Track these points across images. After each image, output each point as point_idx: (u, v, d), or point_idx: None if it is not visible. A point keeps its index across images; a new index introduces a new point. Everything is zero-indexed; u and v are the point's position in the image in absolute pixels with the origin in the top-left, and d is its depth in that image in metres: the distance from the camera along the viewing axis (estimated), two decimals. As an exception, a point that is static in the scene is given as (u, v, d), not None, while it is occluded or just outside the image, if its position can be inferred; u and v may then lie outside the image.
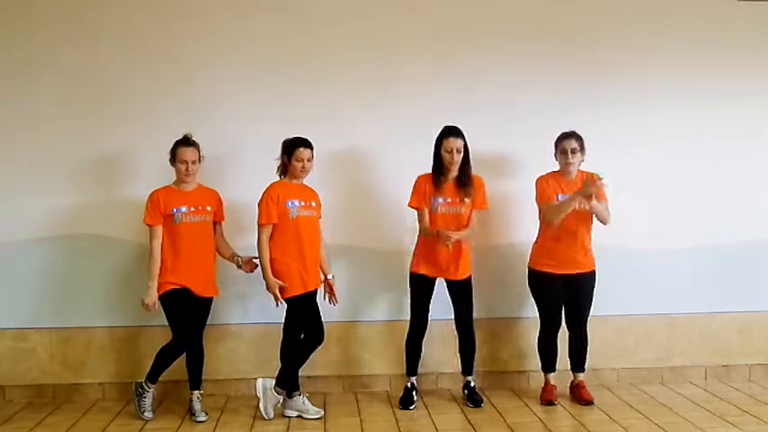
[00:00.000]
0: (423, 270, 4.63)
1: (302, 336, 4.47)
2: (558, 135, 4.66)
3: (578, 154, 4.62)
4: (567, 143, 4.60)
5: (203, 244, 4.49)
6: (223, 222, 4.62)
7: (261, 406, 4.43)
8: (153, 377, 4.49)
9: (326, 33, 4.94)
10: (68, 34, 4.82)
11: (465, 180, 4.57)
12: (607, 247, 4.80)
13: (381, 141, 4.98)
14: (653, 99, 5.13)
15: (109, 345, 4.91)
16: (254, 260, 4.51)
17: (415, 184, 4.63)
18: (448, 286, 4.69)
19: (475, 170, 4.67)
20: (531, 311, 4.88)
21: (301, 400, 4.51)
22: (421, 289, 4.66)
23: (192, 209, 4.44)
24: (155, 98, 4.85)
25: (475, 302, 4.70)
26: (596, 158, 4.83)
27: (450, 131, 4.54)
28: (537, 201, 4.69)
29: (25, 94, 4.81)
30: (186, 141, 4.45)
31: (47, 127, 4.82)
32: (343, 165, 4.95)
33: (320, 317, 4.50)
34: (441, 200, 4.57)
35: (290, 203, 4.39)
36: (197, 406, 4.49)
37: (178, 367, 4.54)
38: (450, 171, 4.57)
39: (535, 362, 4.84)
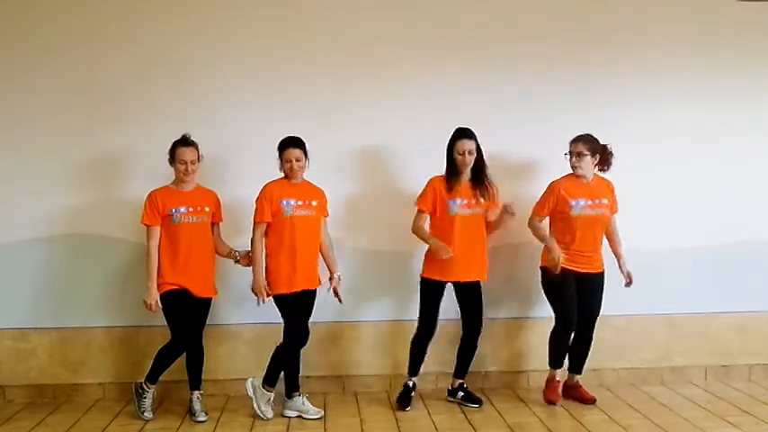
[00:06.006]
0: (434, 274, 4.59)
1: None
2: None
3: (587, 158, 4.58)
4: (574, 146, 4.60)
5: (202, 244, 4.48)
6: (221, 224, 4.62)
7: (255, 405, 4.44)
8: (153, 378, 4.50)
9: (329, 30, 4.93)
10: (66, 34, 4.81)
11: (481, 179, 4.55)
12: (607, 248, 4.79)
13: (386, 140, 4.97)
14: (654, 100, 5.13)
15: (109, 345, 4.91)
16: (250, 254, 4.51)
17: (427, 185, 4.59)
18: (457, 290, 4.66)
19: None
20: (532, 311, 4.89)
21: (301, 400, 4.51)
22: (432, 294, 4.62)
23: (191, 209, 4.44)
24: (154, 97, 4.85)
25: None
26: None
27: (462, 133, 4.53)
28: (535, 204, 4.68)
29: (23, 93, 4.80)
30: (185, 141, 4.44)
31: (45, 126, 4.81)
32: (347, 163, 4.95)
33: (305, 319, 4.47)
34: (459, 201, 4.53)
35: (284, 202, 4.39)
36: (197, 406, 4.49)
37: (178, 367, 4.55)
38: (464, 173, 4.55)
39: (535, 362, 4.84)
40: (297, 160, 4.40)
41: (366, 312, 5.03)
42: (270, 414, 4.44)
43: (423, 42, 4.98)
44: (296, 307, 4.44)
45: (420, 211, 4.61)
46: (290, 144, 4.41)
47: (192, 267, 4.43)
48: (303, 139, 4.45)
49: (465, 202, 4.53)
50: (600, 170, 4.71)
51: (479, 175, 4.56)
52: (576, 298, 4.65)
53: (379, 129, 4.96)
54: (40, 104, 4.81)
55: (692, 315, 5.22)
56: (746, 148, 5.23)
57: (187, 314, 4.43)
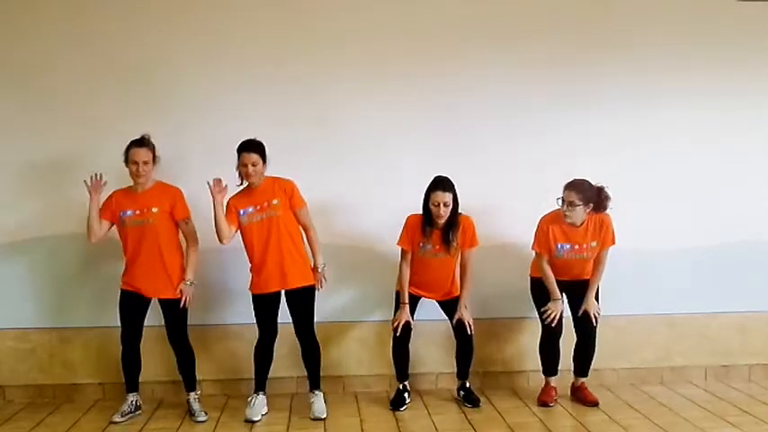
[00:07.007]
0: (409, 290, 4.64)
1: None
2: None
3: (578, 207, 4.45)
4: (567, 194, 4.48)
5: (150, 247, 4.36)
6: (189, 219, 4.47)
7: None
8: (128, 387, 4.50)
9: (329, 30, 4.92)
10: (66, 34, 4.80)
11: (450, 234, 4.52)
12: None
13: (385, 140, 4.96)
14: (653, 100, 5.13)
15: (109, 345, 4.89)
16: (182, 290, 4.42)
17: (405, 225, 4.59)
18: (439, 304, 4.73)
19: (477, 168, 4.72)
20: (531, 312, 4.87)
21: (309, 399, 4.54)
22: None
23: (138, 212, 4.37)
24: (154, 97, 4.83)
25: (474, 303, 4.70)
26: (597, 159, 4.87)
27: (438, 185, 4.47)
28: (533, 242, 4.66)
29: (23, 94, 4.77)
30: (140, 142, 4.35)
31: (45, 126, 4.80)
32: (346, 163, 4.94)
33: (273, 317, 4.47)
34: (429, 246, 4.57)
35: (242, 212, 4.39)
36: (195, 406, 4.49)
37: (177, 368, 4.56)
38: (438, 223, 4.54)
39: (534, 362, 4.83)
40: (253, 165, 4.30)
41: (366, 312, 5.04)
42: (256, 416, 4.42)
43: (423, 42, 4.97)
44: (262, 308, 4.47)
45: (403, 250, 4.63)
46: (245, 148, 4.31)
47: (143, 269, 4.38)
48: (262, 143, 4.36)
49: (436, 247, 4.56)
50: (595, 213, 4.57)
51: (450, 228, 4.52)
52: (564, 307, 4.66)
53: (378, 128, 4.96)
54: (41, 105, 4.80)
55: (692, 315, 5.21)
56: (746, 148, 5.22)
57: (133, 315, 4.43)
